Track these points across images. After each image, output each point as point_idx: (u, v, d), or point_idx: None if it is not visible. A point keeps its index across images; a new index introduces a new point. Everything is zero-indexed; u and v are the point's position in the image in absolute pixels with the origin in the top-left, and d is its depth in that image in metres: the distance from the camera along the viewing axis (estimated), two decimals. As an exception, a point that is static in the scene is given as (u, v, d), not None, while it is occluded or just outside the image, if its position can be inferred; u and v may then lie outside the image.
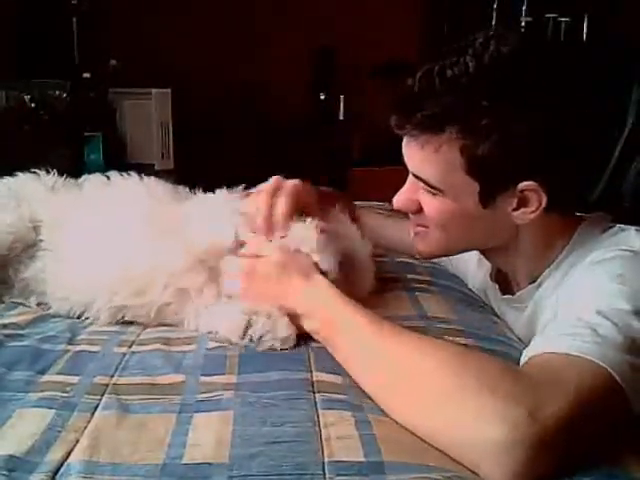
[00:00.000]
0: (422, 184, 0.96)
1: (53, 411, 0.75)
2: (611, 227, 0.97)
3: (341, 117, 3.73)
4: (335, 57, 3.65)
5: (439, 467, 0.65)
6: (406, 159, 0.98)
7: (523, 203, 0.92)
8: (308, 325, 0.91)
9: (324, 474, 0.63)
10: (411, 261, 1.28)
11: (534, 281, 1.00)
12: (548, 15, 3.35)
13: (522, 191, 0.90)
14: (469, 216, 0.95)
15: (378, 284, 1.08)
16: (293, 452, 0.66)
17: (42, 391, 0.79)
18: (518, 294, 1.04)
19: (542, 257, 0.99)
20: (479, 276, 1.19)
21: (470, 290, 1.20)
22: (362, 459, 0.65)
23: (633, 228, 0.95)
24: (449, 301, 1.08)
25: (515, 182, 0.90)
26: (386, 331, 0.81)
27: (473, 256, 1.17)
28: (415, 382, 0.73)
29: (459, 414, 0.68)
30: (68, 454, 0.67)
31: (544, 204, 0.90)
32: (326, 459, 0.65)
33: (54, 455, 0.67)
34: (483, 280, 1.17)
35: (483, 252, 1.08)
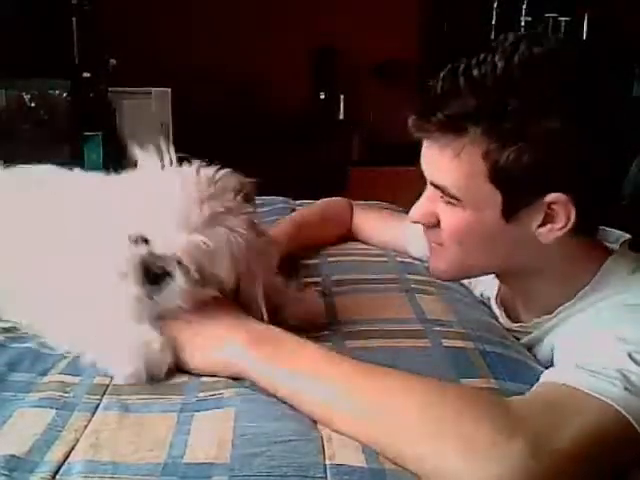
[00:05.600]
0: (440, 193, 0.89)
1: (54, 411, 0.75)
2: None
3: (341, 117, 3.73)
4: (335, 57, 3.66)
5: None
6: (424, 165, 0.91)
7: (550, 219, 0.85)
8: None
9: (325, 477, 0.63)
10: (410, 261, 1.27)
11: (549, 313, 0.93)
12: (548, 15, 3.36)
13: (550, 205, 0.84)
14: (489, 231, 0.88)
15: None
16: (294, 452, 0.66)
17: (43, 391, 0.79)
18: (532, 323, 0.97)
19: (562, 288, 0.91)
20: (490, 286, 1.11)
21: (470, 292, 1.20)
22: (363, 464, 0.65)
23: None
24: (449, 302, 1.07)
25: (542, 194, 0.83)
26: (353, 370, 0.74)
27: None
28: (395, 423, 0.67)
29: (448, 449, 0.63)
30: (68, 454, 0.67)
31: (573, 220, 0.84)
32: (327, 461, 0.65)
33: (55, 455, 0.67)
34: (486, 289, 1.12)
35: (499, 274, 1.00)
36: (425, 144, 0.90)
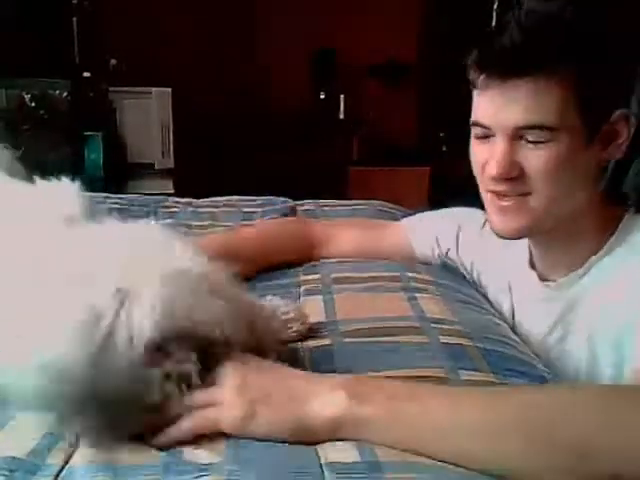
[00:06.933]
0: (534, 132, 0.91)
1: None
2: None
3: (341, 117, 3.74)
4: (335, 57, 3.66)
5: (434, 465, 0.65)
6: (507, 114, 0.92)
7: (613, 137, 0.94)
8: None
9: (322, 472, 0.63)
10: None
11: (575, 269, 0.98)
12: (548, 15, 3.36)
13: (612, 124, 0.93)
14: (575, 162, 0.92)
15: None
16: (289, 455, 0.66)
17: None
18: (560, 281, 1.01)
19: (594, 236, 0.98)
20: (500, 266, 1.14)
21: (470, 289, 1.20)
22: (358, 459, 0.65)
23: None
24: (448, 302, 1.08)
25: (612, 112, 0.93)
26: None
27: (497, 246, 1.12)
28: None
29: None
30: (70, 456, 0.67)
31: (631, 133, 0.93)
32: (322, 461, 0.65)
33: (56, 457, 0.67)
34: (510, 269, 1.12)
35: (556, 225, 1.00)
36: (507, 90, 0.91)
